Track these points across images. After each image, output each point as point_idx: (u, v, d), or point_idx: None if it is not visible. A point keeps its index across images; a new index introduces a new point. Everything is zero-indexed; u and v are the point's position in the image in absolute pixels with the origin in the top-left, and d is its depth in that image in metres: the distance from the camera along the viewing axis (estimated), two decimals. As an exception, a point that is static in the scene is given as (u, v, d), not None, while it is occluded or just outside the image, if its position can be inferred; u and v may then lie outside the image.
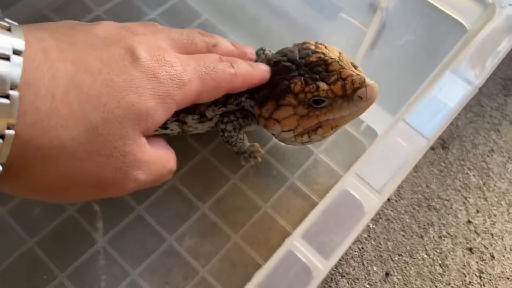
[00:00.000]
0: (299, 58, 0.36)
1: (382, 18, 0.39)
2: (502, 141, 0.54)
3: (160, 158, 0.29)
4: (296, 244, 0.24)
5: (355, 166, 0.25)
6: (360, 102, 0.32)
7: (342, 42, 0.45)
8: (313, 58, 0.35)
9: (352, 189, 0.24)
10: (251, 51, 0.39)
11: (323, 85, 0.33)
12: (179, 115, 0.38)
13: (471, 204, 0.50)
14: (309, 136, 0.36)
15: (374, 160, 0.25)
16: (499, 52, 0.29)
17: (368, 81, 0.32)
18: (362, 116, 0.49)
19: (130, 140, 0.25)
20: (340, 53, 0.36)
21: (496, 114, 0.56)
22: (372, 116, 0.48)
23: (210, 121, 0.40)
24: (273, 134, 0.40)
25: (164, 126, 0.39)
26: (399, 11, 0.38)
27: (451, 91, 0.27)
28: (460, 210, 0.50)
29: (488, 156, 0.53)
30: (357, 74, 0.33)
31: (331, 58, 0.34)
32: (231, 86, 0.32)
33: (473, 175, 0.52)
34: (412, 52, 0.40)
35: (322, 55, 0.35)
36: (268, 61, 0.37)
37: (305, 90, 0.33)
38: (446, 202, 0.50)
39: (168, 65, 0.27)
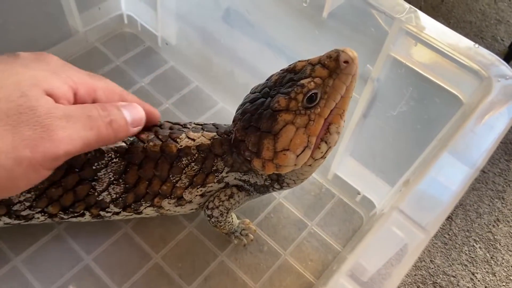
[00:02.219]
0: (261, 91, 0.32)
1: (374, 88, 0.38)
2: (507, 210, 0.51)
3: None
4: None
5: (347, 265, 0.22)
6: (348, 67, 0.29)
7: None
8: (274, 77, 0.32)
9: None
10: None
11: (305, 80, 0.29)
12: (154, 199, 0.35)
13: (479, 280, 0.46)
14: (326, 142, 0.31)
15: (370, 255, 0.23)
16: (500, 129, 0.27)
17: (337, 48, 0.29)
18: (358, 186, 0.47)
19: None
20: None
21: (499, 181, 0.54)
22: (368, 186, 0.46)
23: (191, 203, 0.37)
24: (287, 184, 0.36)
25: (137, 211, 0.36)
26: (391, 82, 0.37)
27: (450, 175, 0.25)
28: (468, 287, 0.46)
29: (494, 226, 0.50)
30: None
31: (290, 65, 0.31)
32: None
33: (480, 248, 0.48)
34: (406, 122, 0.38)
35: (280, 71, 0.32)
36: (233, 120, 0.34)
37: (292, 97, 0.29)
38: (452, 278, 0.46)
39: None
